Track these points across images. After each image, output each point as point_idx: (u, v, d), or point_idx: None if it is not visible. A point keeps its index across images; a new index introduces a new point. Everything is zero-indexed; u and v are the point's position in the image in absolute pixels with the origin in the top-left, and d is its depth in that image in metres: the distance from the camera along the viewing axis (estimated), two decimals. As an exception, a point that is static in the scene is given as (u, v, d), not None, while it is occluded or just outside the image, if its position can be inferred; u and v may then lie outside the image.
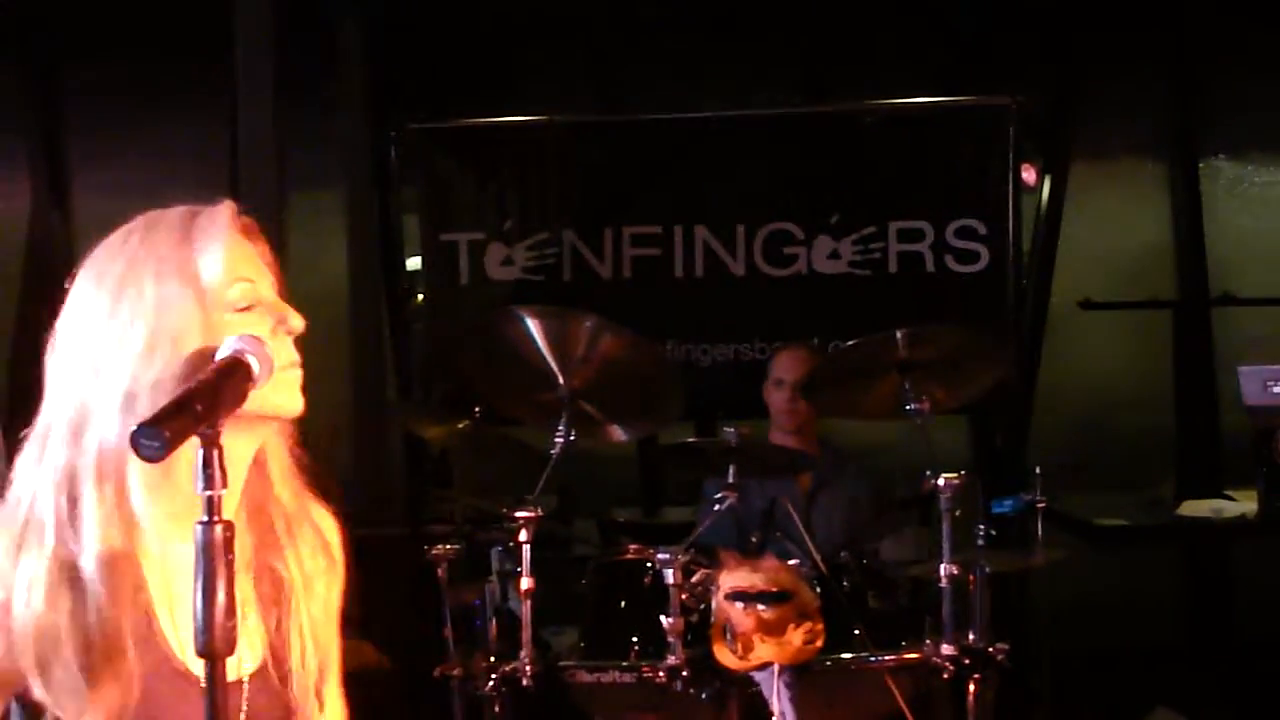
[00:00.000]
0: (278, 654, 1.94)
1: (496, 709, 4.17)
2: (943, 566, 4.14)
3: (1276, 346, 7.06)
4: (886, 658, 4.21)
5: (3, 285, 7.73)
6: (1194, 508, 6.41)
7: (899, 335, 4.48)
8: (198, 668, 1.67)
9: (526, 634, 4.08)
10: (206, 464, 1.62)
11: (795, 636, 3.86)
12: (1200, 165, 7.74)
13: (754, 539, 4.62)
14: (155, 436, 1.59)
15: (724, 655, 3.91)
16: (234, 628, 1.62)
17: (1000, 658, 4.19)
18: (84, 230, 7.82)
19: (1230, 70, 7.56)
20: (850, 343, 4.83)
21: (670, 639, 3.99)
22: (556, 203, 7.29)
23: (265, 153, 6.45)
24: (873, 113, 7.35)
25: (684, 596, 4.02)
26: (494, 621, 4.31)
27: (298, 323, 1.88)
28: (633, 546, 4.44)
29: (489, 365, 4.83)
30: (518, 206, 7.28)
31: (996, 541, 4.61)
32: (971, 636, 4.20)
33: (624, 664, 4.16)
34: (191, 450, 1.63)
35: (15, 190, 7.88)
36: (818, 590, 4.12)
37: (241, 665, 1.89)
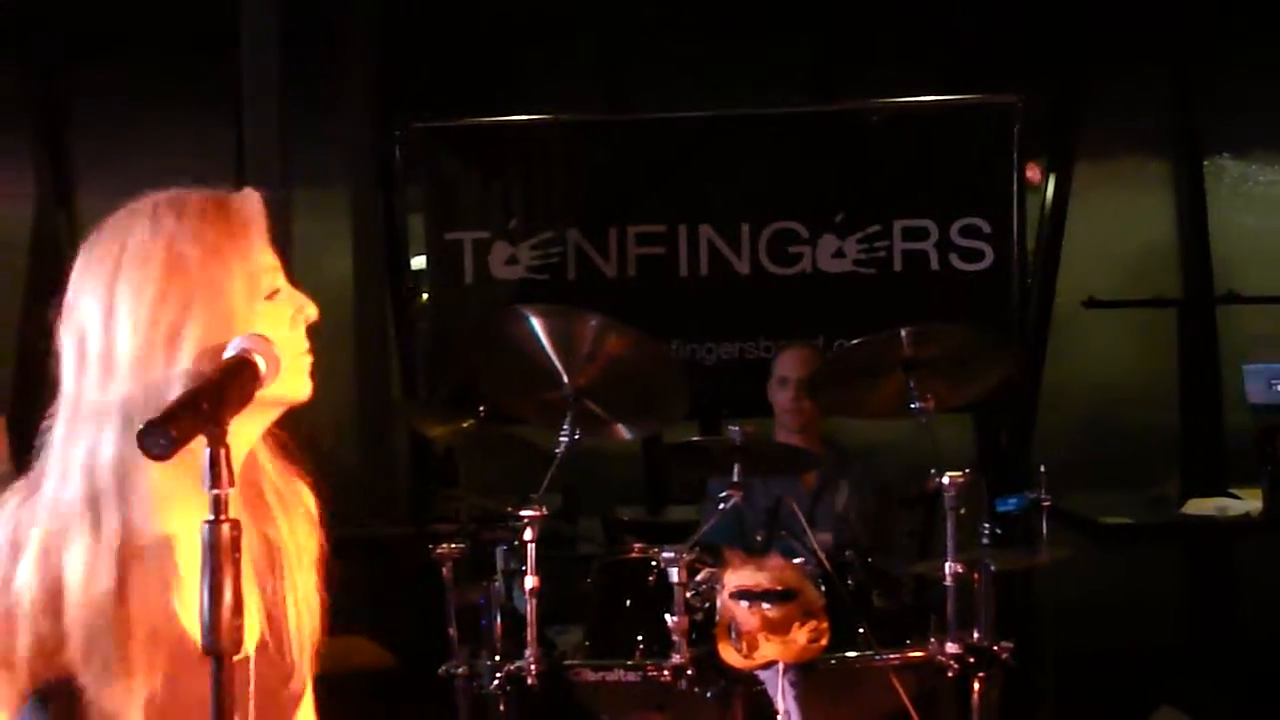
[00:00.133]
0: (275, 623, 1.97)
1: (501, 708, 4.17)
2: (947, 565, 4.13)
3: (1281, 345, 7.08)
4: (891, 656, 4.21)
5: (8, 284, 7.74)
6: (1198, 506, 6.41)
7: (904, 334, 4.48)
8: None
9: (531, 633, 4.08)
10: (213, 463, 1.62)
11: (800, 635, 3.85)
12: (1205, 164, 7.74)
13: (759, 538, 4.62)
14: (162, 435, 1.59)
15: (729, 654, 3.91)
16: (240, 626, 1.63)
17: (1005, 656, 4.18)
18: (88, 229, 7.81)
19: (1235, 69, 7.55)
20: (855, 341, 4.82)
21: (675, 638, 3.98)
22: (561, 202, 7.30)
23: (270, 152, 6.46)
24: (877, 111, 7.35)
25: (688, 595, 4.02)
26: (499, 620, 4.29)
27: (313, 311, 1.92)
28: (637, 545, 4.43)
29: (494, 364, 4.83)
30: (522, 205, 7.29)
31: (1001, 540, 4.60)
32: (976, 635, 4.19)
33: (629, 663, 4.15)
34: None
35: (20, 190, 7.89)
36: (822, 589, 4.12)
37: (247, 641, 1.89)
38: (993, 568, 4.29)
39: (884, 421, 5.33)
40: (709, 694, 4.08)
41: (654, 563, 4.20)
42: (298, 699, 2.03)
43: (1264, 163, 7.90)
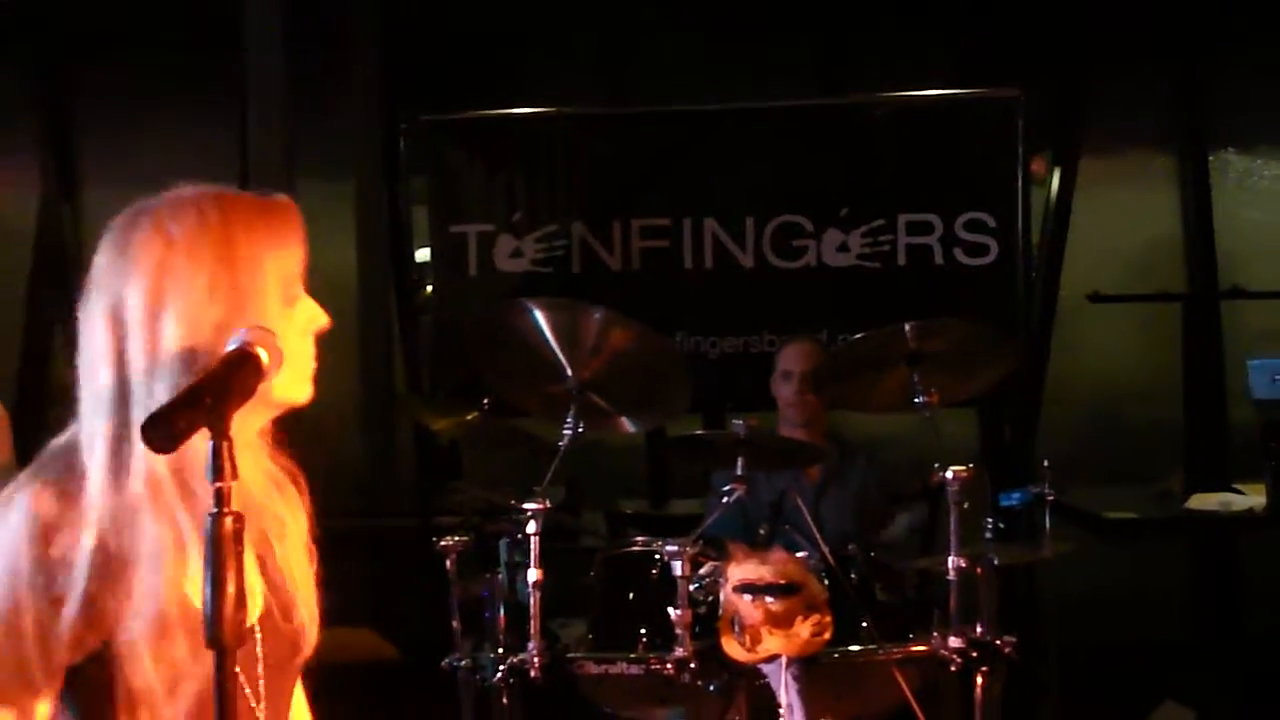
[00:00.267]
0: (278, 594, 2.00)
1: (504, 700, 4.18)
2: (950, 559, 4.14)
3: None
4: (894, 650, 4.21)
5: (13, 276, 7.75)
6: (1202, 501, 6.41)
7: (908, 328, 4.48)
8: None
9: (534, 625, 4.09)
10: (216, 456, 1.62)
11: (803, 629, 3.86)
12: (1210, 158, 7.74)
13: (762, 531, 4.63)
14: (165, 428, 1.59)
15: (732, 647, 3.91)
16: (244, 620, 1.64)
17: (1008, 650, 4.19)
18: (93, 223, 7.83)
19: (1240, 64, 7.55)
20: (859, 335, 4.82)
21: (678, 631, 3.99)
22: (566, 195, 7.29)
23: (275, 144, 6.47)
24: (882, 105, 7.34)
25: (692, 588, 4.03)
26: (502, 613, 4.30)
27: (324, 320, 1.96)
28: (640, 538, 4.44)
29: (498, 357, 4.83)
30: (527, 198, 7.28)
31: (1004, 534, 4.61)
32: (979, 629, 4.19)
33: (632, 656, 4.16)
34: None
35: (25, 183, 7.90)
36: (826, 583, 4.12)
37: (251, 612, 1.92)
38: (996, 562, 4.30)
39: (888, 415, 5.34)
40: (712, 687, 4.09)
41: (657, 556, 4.21)
42: (299, 670, 2.07)
43: (1269, 158, 7.90)
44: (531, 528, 4.09)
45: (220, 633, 1.61)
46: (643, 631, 4.18)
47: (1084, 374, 7.71)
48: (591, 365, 4.53)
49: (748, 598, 3.87)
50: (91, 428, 1.87)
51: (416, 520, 6.42)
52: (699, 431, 6.12)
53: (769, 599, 3.86)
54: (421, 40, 7.68)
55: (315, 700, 2.19)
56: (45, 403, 7.77)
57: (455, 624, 4.38)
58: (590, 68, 7.97)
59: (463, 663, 4.32)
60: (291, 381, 1.91)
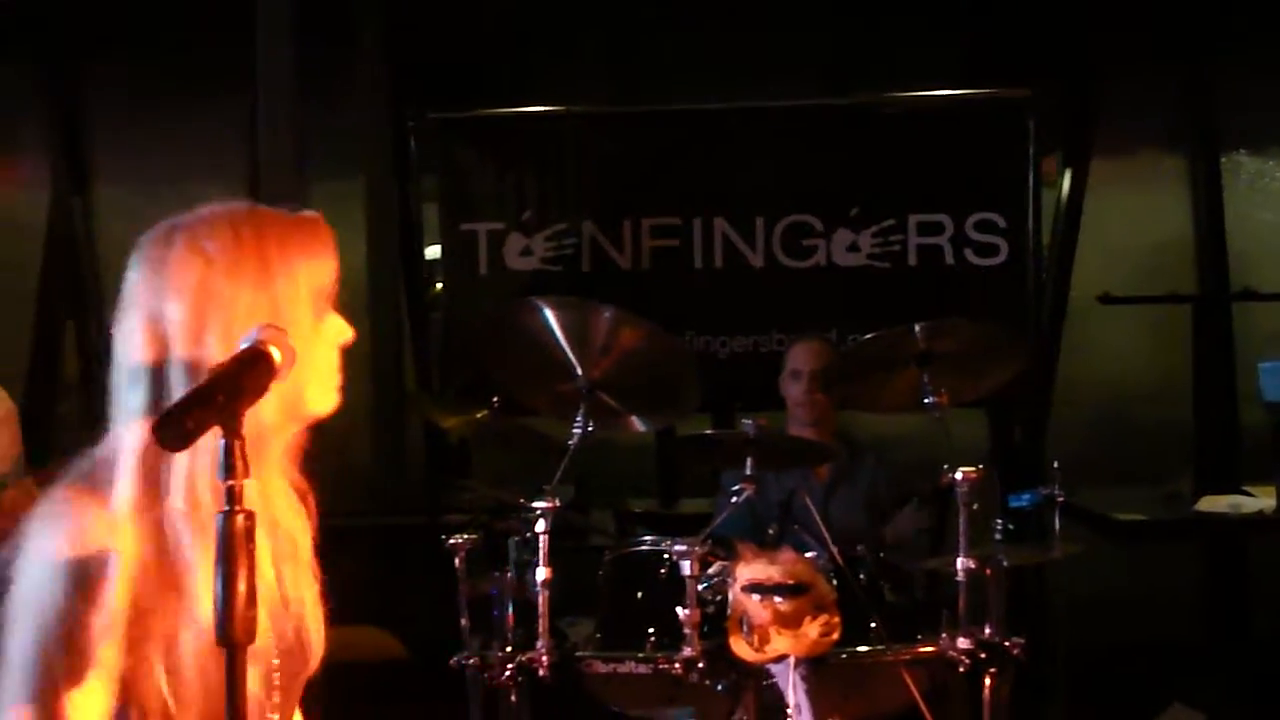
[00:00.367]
0: (290, 611, 2.01)
1: (513, 698, 4.18)
2: (959, 560, 4.13)
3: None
4: (902, 651, 4.21)
5: (23, 272, 7.76)
6: (1212, 503, 6.39)
7: (918, 328, 4.48)
8: None
9: (543, 624, 4.08)
10: (228, 454, 1.62)
11: (811, 629, 3.85)
12: (1221, 160, 7.72)
13: (771, 531, 4.62)
14: (178, 426, 1.60)
15: (740, 647, 3.91)
16: (254, 617, 1.64)
17: (1016, 652, 4.18)
18: (104, 219, 7.85)
19: (1251, 64, 7.52)
20: (869, 335, 4.81)
21: (686, 630, 3.99)
22: (576, 193, 7.30)
23: (285, 142, 6.47)
24: (893, 105, 7.34)
25: (700, 588, 4.02)
26: (510, 611, 4.30)
27: (350, 335, 2.01)
28: (649, 538, 4.43)
29: (508, 355, 4.84)
30: (537, 197, 7.29)
31: (1013, 535, 4.59)
32: (988, 630, 4.19)
33: (640, 655, 4.15)
34: None
35: (36, 179, 7.91)
36: (834, 583, 4.12)
37: (267, 628, 1.93)
38: (1005, 563, 4.29)
39: (897, 416, 5.33)
40: (720, 687, 4.09)
41: (666, 555, 4.20)
42: (303, 686, 2.08)
43: (1281, 159, 7.88)
44: (540, 526, 4.09)
45: (231, 630, 1.61)
46: (651, 631, 4.18)
47: (1094, 375, 7.70)
48: (601, 364, 4.54)
49: (756, 597, 3.87)
50: (129, 443, 1.89)
51: (425, 518, 6.41)
52: (708, 431, 6.12)
53: (777, 599, 3.86)
54: (432, 38, 7.68)
55: (323, 698, 2.19)
56: (55, 398, 7.78)
57: (464, 622, 4.38)
58: (601, 66, 7.96)
59: (471, 661, 4.32)
60: (320, 393, 1.97)
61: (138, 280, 1.92)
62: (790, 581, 3.87)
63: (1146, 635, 7.06)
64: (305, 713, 2.16)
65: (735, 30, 7.63)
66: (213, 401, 1.63)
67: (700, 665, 3.99)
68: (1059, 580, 6.30)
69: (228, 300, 1.87)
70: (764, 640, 3.86)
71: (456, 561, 4.38)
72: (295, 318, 1.91)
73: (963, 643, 4.14)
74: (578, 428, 4.52)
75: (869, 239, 7.14)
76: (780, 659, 3.94)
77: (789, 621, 3.85)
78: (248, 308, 1.87)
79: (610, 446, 6.61)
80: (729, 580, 3.98)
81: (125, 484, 1.86)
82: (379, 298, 7.26)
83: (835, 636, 3.93)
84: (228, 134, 7.36)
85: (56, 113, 7.86)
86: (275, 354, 1.75)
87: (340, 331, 2.00)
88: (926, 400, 4.50)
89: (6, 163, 8.09)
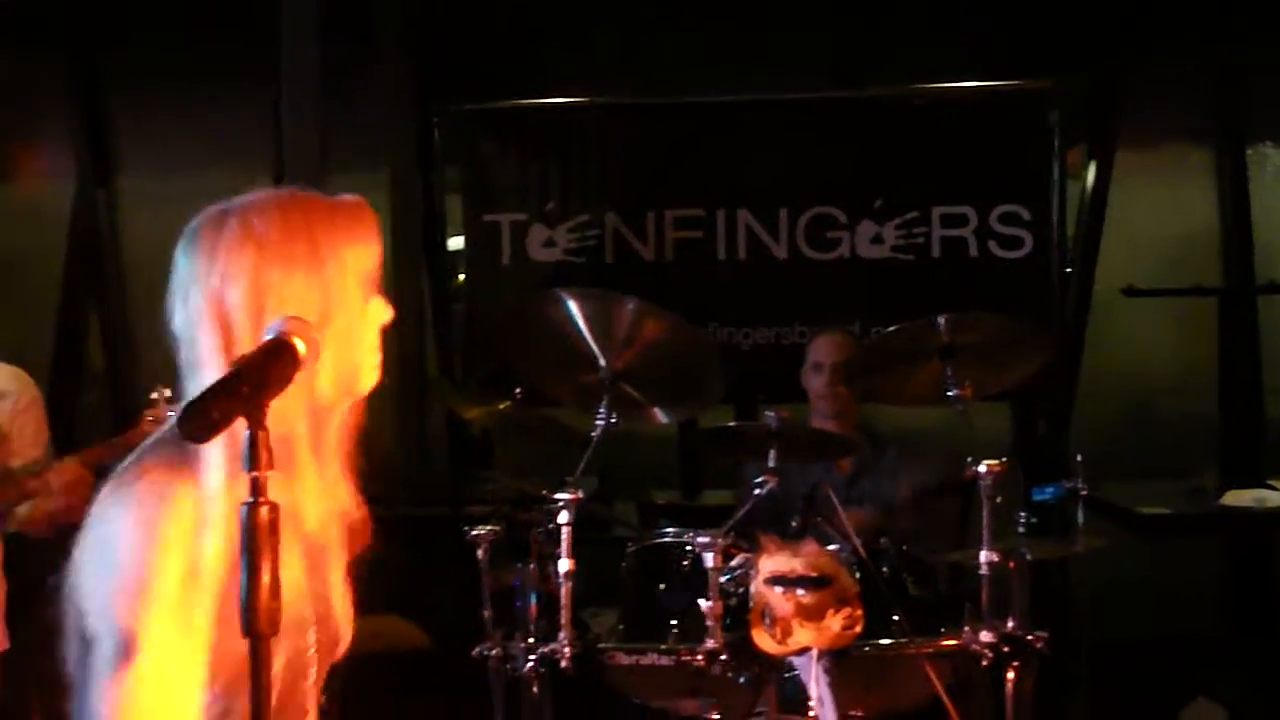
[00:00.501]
0: (320, 602, 2.05)
1: (535, 690, 4.19)
2: (983, 554, 4.12)
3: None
4: (925, 644, 4.20)
5: (48, 262, 7.79)
6: (1237, 497, 6.37)
7: (941, 321, 4.46)
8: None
9: (565, 616, 4.09)
10: (252, 445, 1.62)
11: (834, 622, 3.85)
12: (1248, 152, 7.68)
13: (794, 523, 4.61)
14: (203, 417, 1.60)
15: (762, 640, 3.90)
16: (279, 609, 1.64)
17: (1039, 646, 4.17)
18: (128, 209, 7.87)
19: (1278, 56, 7.48)
20: (892, 328, 4.80)
21: (709, 622, 3.98)
22: (599, 185, 7.30)
23: (309, 133, 6.48)
24: (917, 97, 7.32)
25: (723, 580, 4.02)
26: (533, 602, 4.30)
27: (390, 313, 2.05)
28: (672, 529, 4.43)
29: (530, 346, 4.84)
30: (560, 188, 7.29)
31: (1037, 529, 4.58)
32: (1011, 624, 4.17)
33: (662, 647, 4.15)
34: None
35: (60, 169, 7.93)
36: (857, 576, 4.11)
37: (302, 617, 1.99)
38: (1028, 557, 4.28)
39: (921, 409, 5.32)
40: (742, 679, 4.08)
41: (689, 547, 4.20)
42: (325, 674, 2.10)
43: (1307, 152, 7.84)
44: (563, 518, 4.10)
45: (256, 621, 1.61)
46: (674, 623, 4.18)
47: (1118, 368, 7.67)
48: (624, 356, 4.54)
49: (779, 590, 3.86)
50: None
51: (448, 509, 6.42)
52: (731, 423, 6.11)
53: (800, 591, 3.85)
54: (455, 30, 7.68)
55: (346, 688, 2.20)
56: (80, 387, 7.81)
57: (486, 613, 4.38)
58: (626, 57, 7.95)
59: (493, 652, 4.33)
60: (368, 371, 2.02)
61: (190, 265, 1.95)
62: (813, 574, 3.87)
63: (1170, 630, 7.04)
64: (329, 701, 2.17)
65: (760, 22, 7.62)
66: (238, 392, 1.63)
67: (723, 657, 3.99)
68: (1082, 574, 6.29)
69: (281, 282, 1.92)
70: (786, 633, 3.86)
71: (479, 553, 4.38)
72: (345, 299, 1.97)
73: (986, 636, 4.13)
74: (600, 419, 4.52)
75: (893, 231, 7.12)
76: (803, 652, 3.94)
77: (811, 614, 3.84)
78: (301, 289, 1.92)
79: (633, 438, 6.60)
80: (751, 572, 3.97)
81: (215, 460, 1.87)
82: (402, 288, 7.27)
83: (858, 629, 3.92)
84: (252, 126, 7.36)
85: (81, 104, 7.88)
86: (300, 345, 1.75)
87: (382, 312, 2.04)
88: (950, 393, 4.48)
89: (31, 154, 8.12)
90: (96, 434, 4.19)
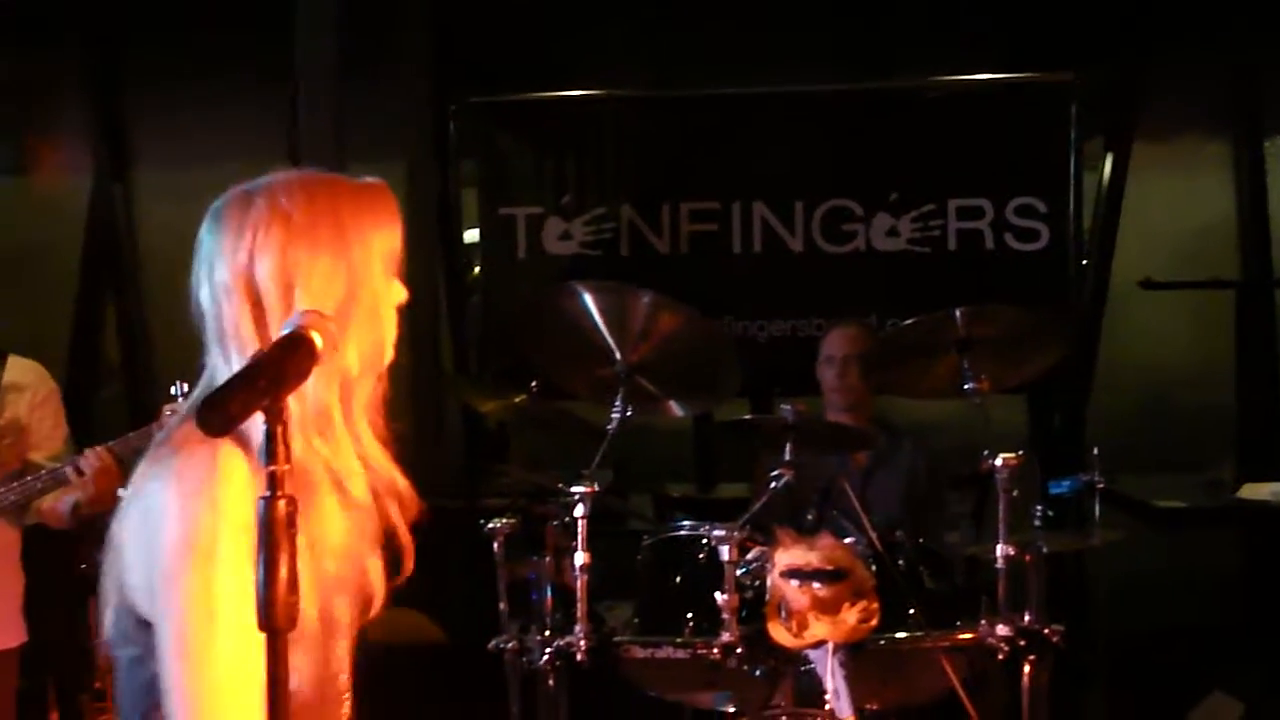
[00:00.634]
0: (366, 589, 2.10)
1: (550, 682, 4.19)
2: (999, 547, 4.12)
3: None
4: (941, 637, 4.19)
5: (65, 255, 7.81)
6: (1254, 490, 6.36)
7: (958, 313, 4.45)
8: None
9: (581, 609, 4.09)
10: (270, 439, 1.62)
11: (850, 615, 3.85)
12: (1265, 144, 7.66)
13: (810, 517, 4.61)
14: (221, 412, 1.60)
15: (778, 633, 3.90)
16: (296, 603, 1.63)
17: (1056, 639, 4.16)
18: (144, 202, 7.89)
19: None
20: (908, 321, 4.79)
21: (725, 616, 3.98)
22: (614, 178, 7.30)
23: (325, 126, 6.49)
24: (934, 89, 7.31)
25: (739, 573, 4.02)
26: (549, 595, 4.30)
27: (405, 294, 2.10)
28: (687, 522, 4.43)
29: (546, 339, 4.84)
30: (576, 181, 7.30)
31: (1053, 522, 4.57)
32: (1027, 617, 4.17)
33: (678, 640, 4.15)
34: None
35: (77, 163, 7.95)
36: (873, 569, 4.11)
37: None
38: (1045, 550, 4.27)
39: (937, 402, 5.31)
40: (758, 672, 4.09)
41: (704, 540, 4.20)
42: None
43: (1325, 144, 7.81)
44: (579, 511, 4.09)
45: (273, 616, 1.61)
46: (689, 616, 4.18)
47: (1135, 361, 7.66)
48: (640, 349, 4.54)
49: (795, 583, 3.86)
50: None
51: (464, 502, 6.43)
52: (747, 416, 6.11)
53: (816, 584, 3.85)
54: (471, 23, 7.68)
55: (361, 681, 2.20)
56: (97, 380, 7.84)
57: (502, 606, 4.39)
58: (641, 50, 7.94)
59: (509, 645, 4.33)
60: (385, 348, 2.06)
61: (216, 242, 1.98)
62: (829, 567, 3.87)
63: (1186, 623, 7.03)
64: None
65: (776, 14, 7.61)
66: (256, 386, 1.63)
67: (738, 650, 3.99)
68: (1099, 567, 6.28)
69: (308, 260, 1.95)
70: (802, 626, 3.86)
71: (495, 546, 4.38)
72: (370, 278, 2.01)
73: (1002, 629, 4.12)
74: (616, 412, 4.53)
75: (909, 224, 7.12)
76: (818, 645, 3.93)
77: (827, 607, 3.84)
78: (328, 268, 1.96)
79: (649, 431, 6.60)
80: (767, 565, 3.97)
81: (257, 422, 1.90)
82: (417, 281, 7.25)
83: (874, 622, 3.92)
84: (268, 119, 7.36)
85: (97, 99, 7.90)
86: (317, 339, 1.75)
87: (399, 293, 2.09)
88: (966, 386, 4.48)
89: (49, 148, 8.15)
90: (114, 426, 4.19)
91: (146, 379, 7.66)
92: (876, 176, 7.17)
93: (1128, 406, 7.59)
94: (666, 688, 4.44)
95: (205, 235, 1.99)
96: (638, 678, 4.38)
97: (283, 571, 1.61)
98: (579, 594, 4.09)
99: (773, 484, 4.33)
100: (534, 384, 4.99)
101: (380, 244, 2.04)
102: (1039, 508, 4.48)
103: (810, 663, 4.06)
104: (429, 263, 7.46)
